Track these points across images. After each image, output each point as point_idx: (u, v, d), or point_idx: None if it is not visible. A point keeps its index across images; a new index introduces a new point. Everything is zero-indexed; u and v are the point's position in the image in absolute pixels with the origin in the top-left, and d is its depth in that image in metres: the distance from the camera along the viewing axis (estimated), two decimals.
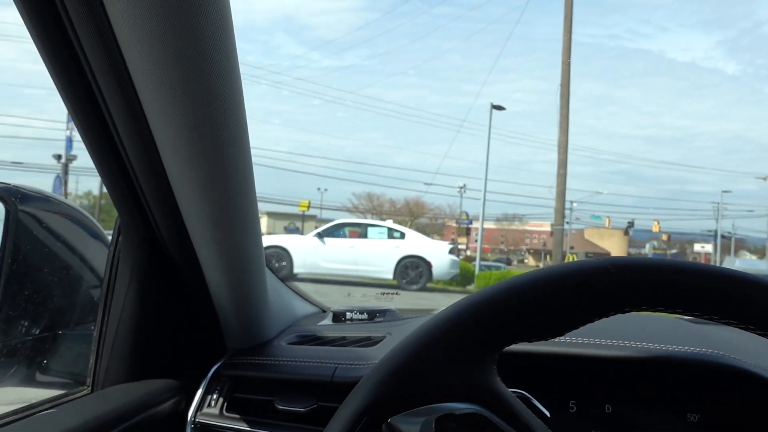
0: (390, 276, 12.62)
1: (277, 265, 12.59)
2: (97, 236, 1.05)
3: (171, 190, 0.82)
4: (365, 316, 1.25)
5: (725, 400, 0.84)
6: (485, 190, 20.90)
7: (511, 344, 0.54)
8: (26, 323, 0.98)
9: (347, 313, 1.25)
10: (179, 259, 0.95)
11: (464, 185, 43.08)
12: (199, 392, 1.03)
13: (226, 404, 1.01)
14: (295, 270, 12.71)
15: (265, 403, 1.00)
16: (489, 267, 23.34)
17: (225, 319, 1.05)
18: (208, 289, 0.99)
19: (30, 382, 1.00)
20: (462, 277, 14.74)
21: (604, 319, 0.54)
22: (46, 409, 0.89)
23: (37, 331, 0.99)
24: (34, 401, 0.95)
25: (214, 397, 1.02)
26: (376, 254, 12.66)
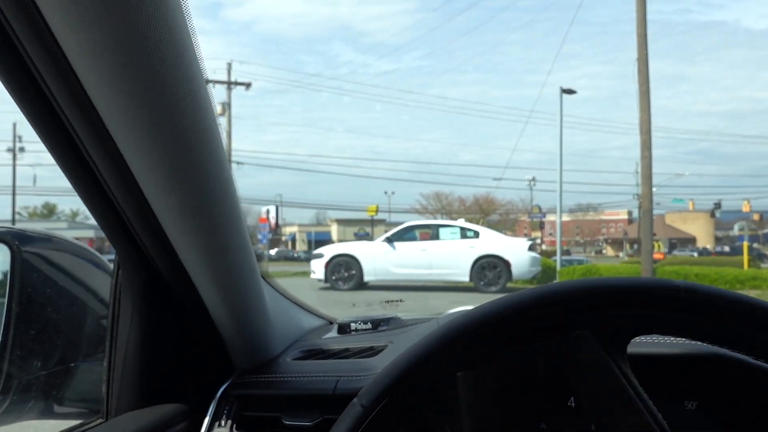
0: (466, 278, 12.12)
1: (346, 274, 12.35)
2: (100, 267, 1.10)
3: (161, 225, 0.86)
4: (369, 326, 1.26)
5: (722, 388, 0.85)
6: (561, 181, 19.80)
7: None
8: (39, 359, 1.03)
9: (352, 324, 1.27)
10: (177, 287, 0.99)
11: (533, 178, 42.23)
12: (210, 413, 1.05)
13: (235, 424, 1.04)
14: (366, 278, 12.40)
15: (273, 420, 1.02)
16: (570, 261, 22.54)
17: (229, 340, 1.08)
18: (209, 314, 1.02)
19: (47, 414, 1.04)
20: (543, 274, 14.01)
21: None
22: None
23: (51, 366, 1.04)
24: None
25: (224, 417, 1.04)
26: (450, 256, 12.13)
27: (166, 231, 0.86)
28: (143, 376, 1.01)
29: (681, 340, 0.86)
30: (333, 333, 1.29)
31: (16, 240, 0.99)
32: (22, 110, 0.71)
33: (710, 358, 0.84)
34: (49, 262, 1.03)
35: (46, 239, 1.04)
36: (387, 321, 1.27)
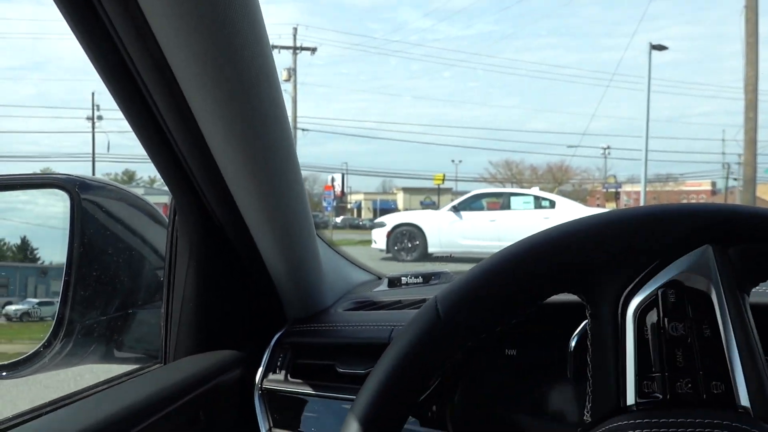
0: None
1: (409, 245, 11.94)
2: (156, 219, 1.11)
3: (219, 169, 0.85)
4: (420, 279, 1.25)
5: None
6: (647, 149, 18.65)
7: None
8: (100, 304, 1.05)
9: (402, 278, 1.26)
10: (233, 236, 0.99)
11: (608, 146, 40.75)
12: (264, 360, 1.07)
13: (290, 370, 1.05)
14: (430, 249, 11.84)
15: (327, 368, 1.03)
16: None
17: (282, 291, 1.09)
18: (264, 263, 1.02)
19: (108, 358, 1.08)
20: None
21: None
22: (124, 382, 0.97)
23: (110, 312, 1.07)
24: (113, 375, 1.03)
25: (278, 364, 1.06)
26: (523, 227, 10.67)
27: (225, 176, 0.86)
28: (200, 322, 1.03)
29: None
30: (383, 287, 1.28)
31: (75, 186, 1.01)
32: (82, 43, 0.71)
33: None
34: (106, 210, 1.05)
35: (104, 187, 1.06)
36: (438, 275, 1.25)
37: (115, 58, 0.71)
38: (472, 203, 12.50)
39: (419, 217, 12.66)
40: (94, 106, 34.34)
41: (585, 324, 0.50)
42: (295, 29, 27.56)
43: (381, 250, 12.36)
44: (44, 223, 1.21)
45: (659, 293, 0.45)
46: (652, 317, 0.45)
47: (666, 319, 0.45)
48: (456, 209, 12.25)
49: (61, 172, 1.03)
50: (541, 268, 0.48)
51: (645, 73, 18.55)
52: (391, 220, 12.74)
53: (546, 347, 0.90)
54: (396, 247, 12.14)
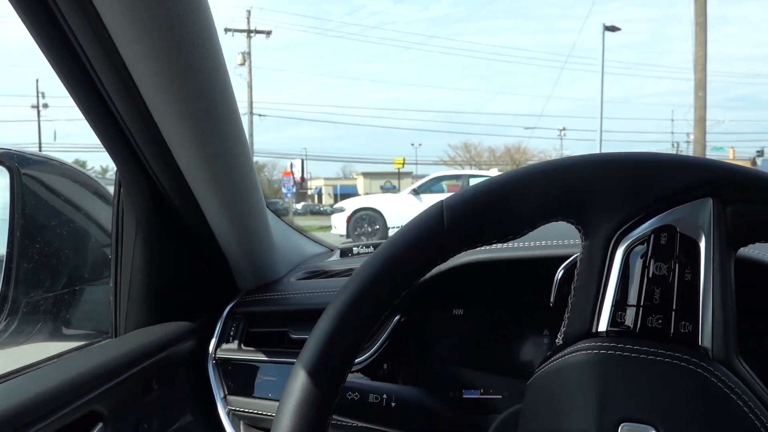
0: None
1: (369, 229, 11.96)
2: (100, 194, 1.09)
3: (162, 137, 0.84)
4: (371, 249, 1.26)
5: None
6: (601, 129, 19.13)
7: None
8: (45, 281, 1.04)
9: (354, 248, 1.27)
10: (181, 206, 0.98)
11: (564, 127, 41.46)
12: (217, 330, 1.07)
13: (243, 339, 1.05)
14: (390, 233, 11.99)
15: (280, 335, 1.04)
16: None
17: (233, 262, 1.09)
18: (213, 234, 1.02)
19: (56, 335, 1.06)
20: None
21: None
22: (73, 355, 0.95)
23: (56, 289, 1.06)
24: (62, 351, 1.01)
25: (231, 333, 1.07)
26: None
27: (169, 143, 0.85)
28: (150, 295, 1.02)
29: None
30: (336, 257, 1.29)
31: (15, 161, 0.99)
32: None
33: None
34: (49, 185, 1.04)
35: (45, 162, 1.04)
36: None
37: (50, 18, 0.69)
38: (432, 186, 12.60)
39: (379, 201, 12.72)
40: (39, 94, 33.13)
41: (575, 256, 0.52)
42: (249, 12, 27.01)
43: (341, 236, 12.35)
44: None
45: (652, 234, 0.48)
46: (639, 254, 0.48)
47: (652, 259, 0.48)
48: (416, 192, 12.33)
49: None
50: (551, 191, 0.49)
51: (599, 55, 18.86)
52: (350, 205, 12.70)
53: (491, 307, 0.93)
54: (356, 232, 12.14)
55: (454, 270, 0.88)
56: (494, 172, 13.64)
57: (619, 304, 0.48)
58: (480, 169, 27.53)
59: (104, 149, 0.90)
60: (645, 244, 0.48)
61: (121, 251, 1.02)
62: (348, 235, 12.13)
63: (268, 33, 27.52)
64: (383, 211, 12.18)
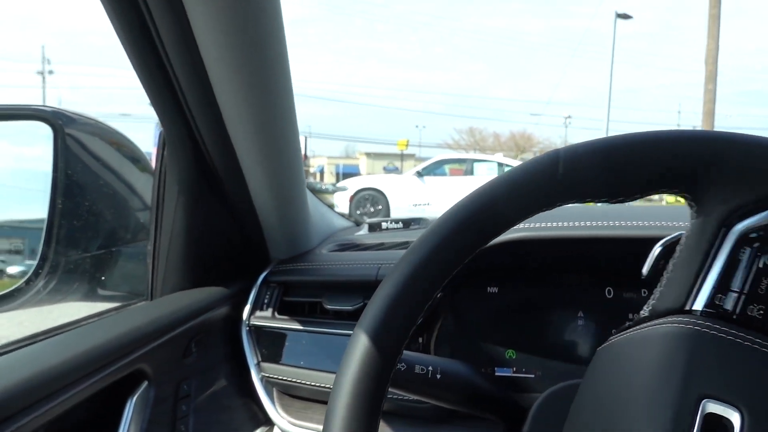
0: None
1: (372, 209, 11.84)
2: (138, 157, 1.10)
3: (215, 98, 0.84)
4: (400, 225, 1.27)
5: None
6: (608, 119, 18.98)
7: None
8: (83, 241, 1.05)
9: (383, 223, 1.28)
10: (224, 172, 0.98)
11: (569, 115, 41.27)
12: (251, 297, 1.08)
13: (276, 308, 1.06)
14: (393, 215, 11.41)
15: (314, 305, 1.05)
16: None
17: (269, 230, 1.10)
18: (253, 202, 1.03)
19: (92, 296, 1.07)
20: None
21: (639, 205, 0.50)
22: (112, 315, 0.96)
23: (95, 249, 1.06)
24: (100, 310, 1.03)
25: (266, 301, 1.08)
26: None
27: (221, 106, 0.85)
28: (187, 259, 1.03)
29: None
30: (364, 231, 1.30)
31: (59, 120, 0.99)
32: None
33: None
34: (90, 146, 1.04)
35: (88, 122, 1.04)
36: (418, 221, 1.28)
37: None
38: (436, 169, 12.52)
39: (382, 182, 12.60)
40: (45, 60, 32.91)
41: (677, 234, 0.51)
42: None
43: (343, 215, 12.23)
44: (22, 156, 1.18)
45: None
46: (752, 242, 0.46)
47: (766, 250, 0.46)
48: (419, 174, 12.25)
49: (44, 104, 1.01)
50: (673, 161, 0.47)
51: (609, 43, 18.72)
52: (353, 185, 12.61)
53: (525, 286, 0.94)
54: (358, 212, 12.06)
55: (492, 248, 0.89)
56: (499, 157, 13.57)
57: (721, 287, 0.46)
58: (484, 154, 27.41)
59: (151, 106, 0.89)
60: (760, 233, 0.46)
61: (162, 213, 1.02)
62: (350, 215, 11.98)
63: None
64: (386, 191, 12.06)
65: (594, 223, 0.89)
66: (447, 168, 12.84)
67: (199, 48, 0.76)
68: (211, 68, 0.79)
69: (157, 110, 0.89)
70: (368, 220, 1.33)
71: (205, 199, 1.02)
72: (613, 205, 0.50)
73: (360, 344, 0.49)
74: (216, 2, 0.70)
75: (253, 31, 0.75)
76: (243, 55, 0.76)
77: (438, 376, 0.74)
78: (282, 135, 0.92)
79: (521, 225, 0.89)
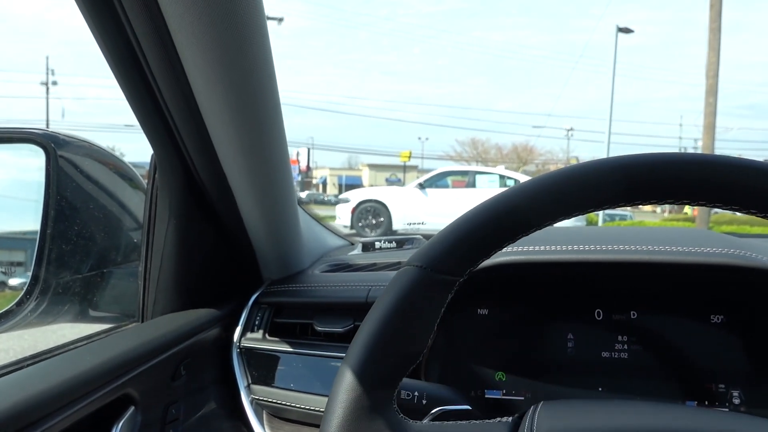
0: None
1: (373, 221, 11.82)
2: (131, 179, 1.10)
3: (203, 121, 0.85)
4: (393, 244, 1.27)
5: (749, 300, 0.85)
6: (610, 131, 19.04)
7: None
8: (75, 262, 1.05)
9: (376, 243, 1.28)
10: (214, 193, 0.99)
11: (572, 128, 41.36)
12: (242, 319, 1.08)
13: (267, 329, 1.07)
14: (395, 226, 11.72)
15: (305, 327, 1.05)
16: (612, 217, 22.09)
17: (261, 251, 1.10)
18: (243, 223, 1.03)
19: (84, 317, 1.07)
20: None
21: (615, 228, 0.51)
22: (103, 338, 0.96)
23: (86, 270, 1.06)
24: (90, 333, 1.03)
25: (256, 323, 1.08)
26: None
27: (209, 128, 0.85)
28: (178, 281, 1.03)
29: (704, 248, 0.84)
30: (357, 251, 1.31)
31: (51, 142, 1.00)
32: None
33: (736, 268, 0.82)
34: (82, 168, 1.04)
35: (80, 144, 1.04)
36: (411, 241, 1.28)
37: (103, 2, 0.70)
38: (438, 181, 12.45)
39: (384, 194, 12.56)
40: (49, 71, 33.15)
41: None
42: None
43: (345, 227, 12.18)
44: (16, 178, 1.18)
45: None
46: None
47: None
48: (422, 186, 12.18)
49: (36, 127, 1.01)
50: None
51: (611, 56, 18.75)
52: (355, 196, 12.58)
53: (515, 308, 0.94)
54: (360, 224, 12.02)
55: (482, 270, 0.89)
56: (501, 170, 13.53)
57: None
58: (486, 166, 27.42)
59: (142, 131, 0.90)
60: None
61: (153, 235, 1.03)
62: (352, 227, 12.01)
63: (280, 20, 27.41)
64: (388, 204, 12.02)
65: (583, 247, 0.89)
66: (449, 180, 12.79)
67: (187, 75, 0.77)
68: (199, 93, 0.79)
69: (147, 134, 0.90)
70: (361, 240, 1.34)
71: (196, 220, 1.02)
72: (600, 228, 0.52)
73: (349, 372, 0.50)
74: (202, 32, 0.70)
75: (240, 58, 0.75)
76: (230, 80, 0.77)
77: (424, 402, 0.74)
78: (271, 156, 0.92)
79: (510, 249, 0.89)
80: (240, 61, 0.75)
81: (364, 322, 0.52)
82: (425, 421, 0.72)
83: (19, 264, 1.14)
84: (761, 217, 0.49)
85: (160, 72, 0.77)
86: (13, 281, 1.11)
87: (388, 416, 0.49)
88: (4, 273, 1.15)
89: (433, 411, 0.73)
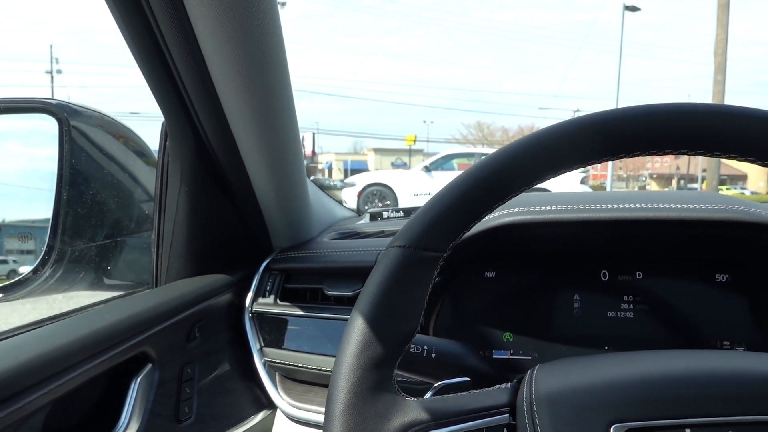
0: None
1: (380, 204, 11.56)
2: (142, 149, 1.12)
3: (214, 87, 0.86)
4: (401, 213, 1.28)
5: (754, 257, 0.85)
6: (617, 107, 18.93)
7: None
8: (89, 231, 1.07)
9: (384, 212, 1.29)
10: (225, 162, 1.01)
11: (578, 109, 41.04)
12: (254, 284, 1.10)
13: (278, 294, 1.09)
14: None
15: (315, 291, 1.07)
16: None
17: (271, 219, 1.11)
18: (254, 192, 1.05)
19: (98, 284, 1.10)
20: None
21: (621, 192, 0.52)
22: (117, 300, 0.99)
23: (100, 239, 1.09)
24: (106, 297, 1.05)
25: (268, 288, 1.10)
26: None
27: (220, 95, 0.87)
28: (190, 247, 1.05)
29: (710, 205, 0.85)
30: (365, 220, 1.32)
31: (64, 112, 1.01)
32: None
33: (743, 224, 0.81)
34: (94, 138, 1.06)
35: (92, 115, 1.06)
36: (418, 209, 1.29)
37: None
38: (444, 164, 12.45)
39: (390, 177, 12.52)
40: (53, 59, 33.13)
41: None
42: None
43: (351, 210, 12.19)
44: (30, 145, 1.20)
45: None
46: None
47: None
48: (427, 169, 12.19)
49: (48, 97, 1.03)
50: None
51: (617, 35, 18.51)
52: (361, 180, 12.57)
53: (522, 270, 0.96)
54: (366, 207, 12.01)
55: (489, 231, 0.90)
56: None
57: None
58: (492, 148, 27.29)
59: (154, 98, 0.92)
60: None
61: (165, 203, 1.05)
62: (358, 210, 11.97)
63: (283, 3, 27.27)
64: (394, 187, 11.98)
65: (588, 206, 0.90)
66: (455, 163, 12.77)
67: (200, 43, 0.78)
68: (211, 62, 0.81)
69: (159, 102, 0.91)
70: (370, 210, 1.35)
71: (207, 188, 1.04)
72: (605, 192, 0.52)
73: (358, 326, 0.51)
74: (216, 2, 0.72)
75: (251, 26, 0.77)
76: (242, 48, 0.78)
77: (433, 355, 0.76)
78: (282, 126, 0.94)
79: (516, 209, 0.90)
80: (250, 26, 0.76)
81: (353, 309, 0.52)
82: (427, 396, 0.74)
83: (29, 252, 1.16)
84: (733, 159, 0.50)
85: (172, 36, 0.79)
86: (24, 269, 1.13)
87: (389, 396, 0.50)
88: (15, 261, 1.17)
89: (435, 385, 0.75)
